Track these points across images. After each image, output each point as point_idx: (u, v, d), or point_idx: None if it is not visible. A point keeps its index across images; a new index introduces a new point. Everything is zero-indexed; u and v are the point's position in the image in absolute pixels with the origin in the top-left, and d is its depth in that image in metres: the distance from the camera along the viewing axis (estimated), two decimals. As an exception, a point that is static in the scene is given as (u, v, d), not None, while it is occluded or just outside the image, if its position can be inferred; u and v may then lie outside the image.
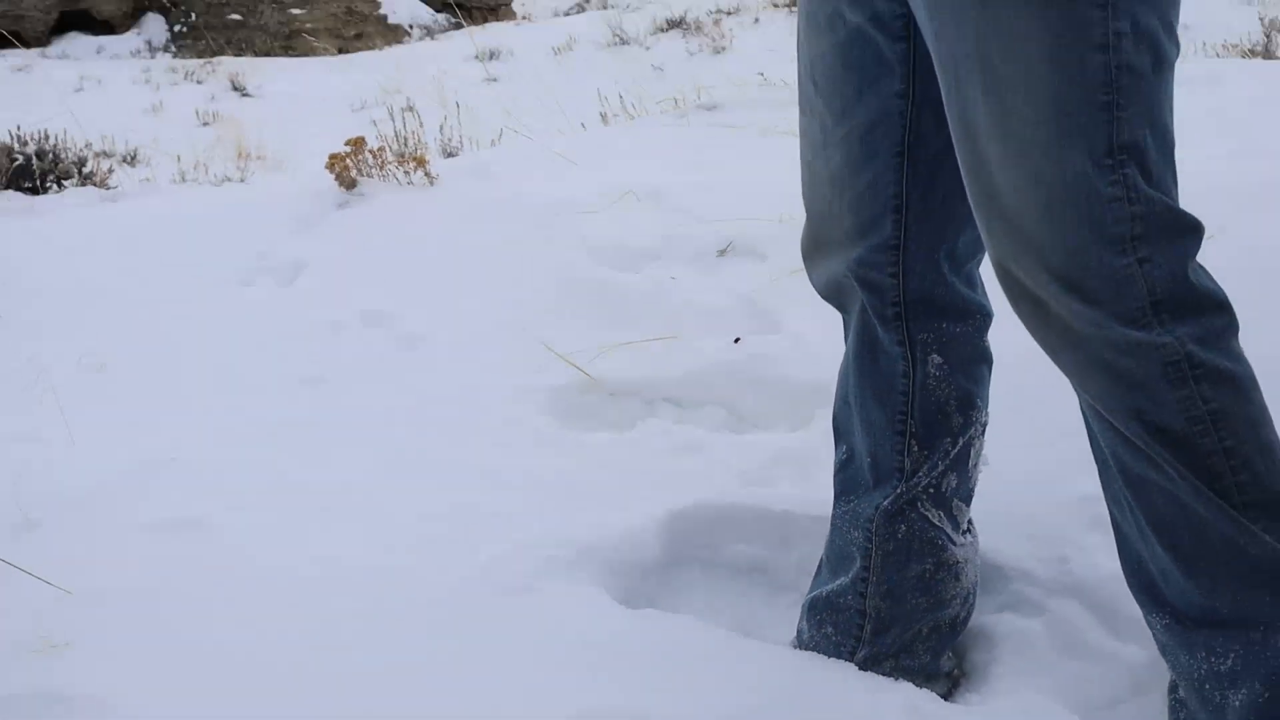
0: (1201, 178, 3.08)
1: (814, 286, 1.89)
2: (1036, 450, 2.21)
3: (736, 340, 2.94)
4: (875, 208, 1.74)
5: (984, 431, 1.88)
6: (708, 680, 1.81)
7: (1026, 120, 1.43)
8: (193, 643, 1.99)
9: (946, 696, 1.86)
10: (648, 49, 14.56)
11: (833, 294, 1.86)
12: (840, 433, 1.91)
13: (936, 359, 1.80)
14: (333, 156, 4.42)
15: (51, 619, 2.04)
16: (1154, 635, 1.59)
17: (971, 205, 1.54)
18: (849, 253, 1.77)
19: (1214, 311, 1.47)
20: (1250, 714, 1.49)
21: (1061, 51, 1.41)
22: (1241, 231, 2.83)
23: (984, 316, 1.83)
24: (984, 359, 1.86)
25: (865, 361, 1.83)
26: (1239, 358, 1.49)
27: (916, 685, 1.82)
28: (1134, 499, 1.52)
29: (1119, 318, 1.43)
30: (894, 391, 1.81)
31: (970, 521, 1.91)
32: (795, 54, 1.84)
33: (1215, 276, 1.52)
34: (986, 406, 1.87)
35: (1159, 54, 1.43)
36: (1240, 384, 1.47)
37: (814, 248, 1.84)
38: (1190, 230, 1.46)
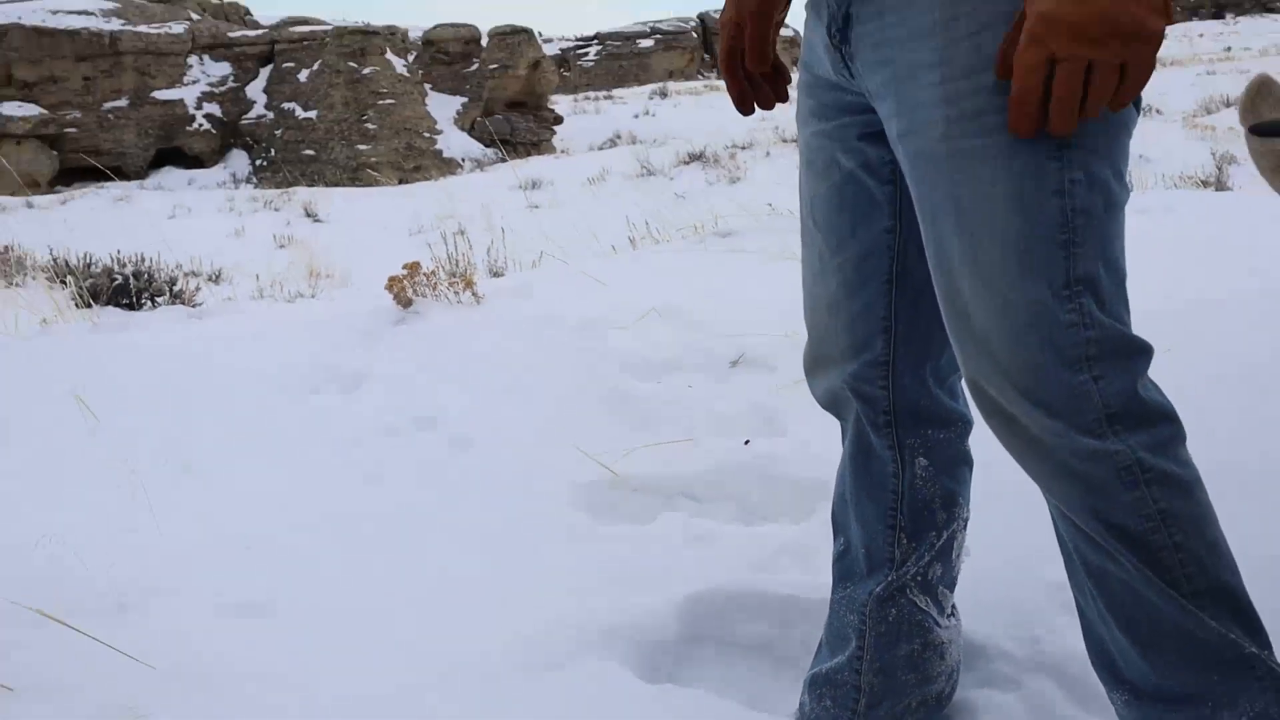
0: (1160, 297, 3.13)
1: (814, 397, 1.91)
2: (1012, 541, 2.20)
3: (746, 442, 2.96)
4: (868, 329, 1.76)
5: (965, 526, 1.89)
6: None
7: (993, 256, 1.45)
8: (258, 714, 2.02)
9: None
10: (671, 179, 14.65)
11: (831, 404, 1.87)
12: (838, 526, 1.92)
13: (923, 462, 1.82)
14: (391, 279, 4.47)
15: (136, 692, 2.06)
16: (1115, 710, 1.58)
17: (947, 329, 1.56)
18: (845, 368, 1.79)
19: (1162, 422, 1.48)
20: None
21: (1023, 197, 1.42)
22: (1195, 345, 2.85)
23: (965, 424, 1.85)
24: (965, 462, 1.87)
25: (860, 464, 1.85)
26: (1186, 463, 1.50)
27: None
28: (1095, 588, 1.52)
29: (1078, 429, 1.44)
30: (885, 490, 1.83)
31: (954, 605, 1.92)
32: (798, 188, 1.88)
33: (1170, 387, 1.54)
34: (968, 504, 1.88)
35: (1110, 198, 1.46)
36: (1187, 486, 1.48)
37: (814, 363, 1.87)
38: (1140, 351, 1.48)
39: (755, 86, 1.81)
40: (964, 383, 1.58)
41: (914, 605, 1.84)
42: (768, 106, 1.85)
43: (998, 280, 1.45)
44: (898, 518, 1.83)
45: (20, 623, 2.23)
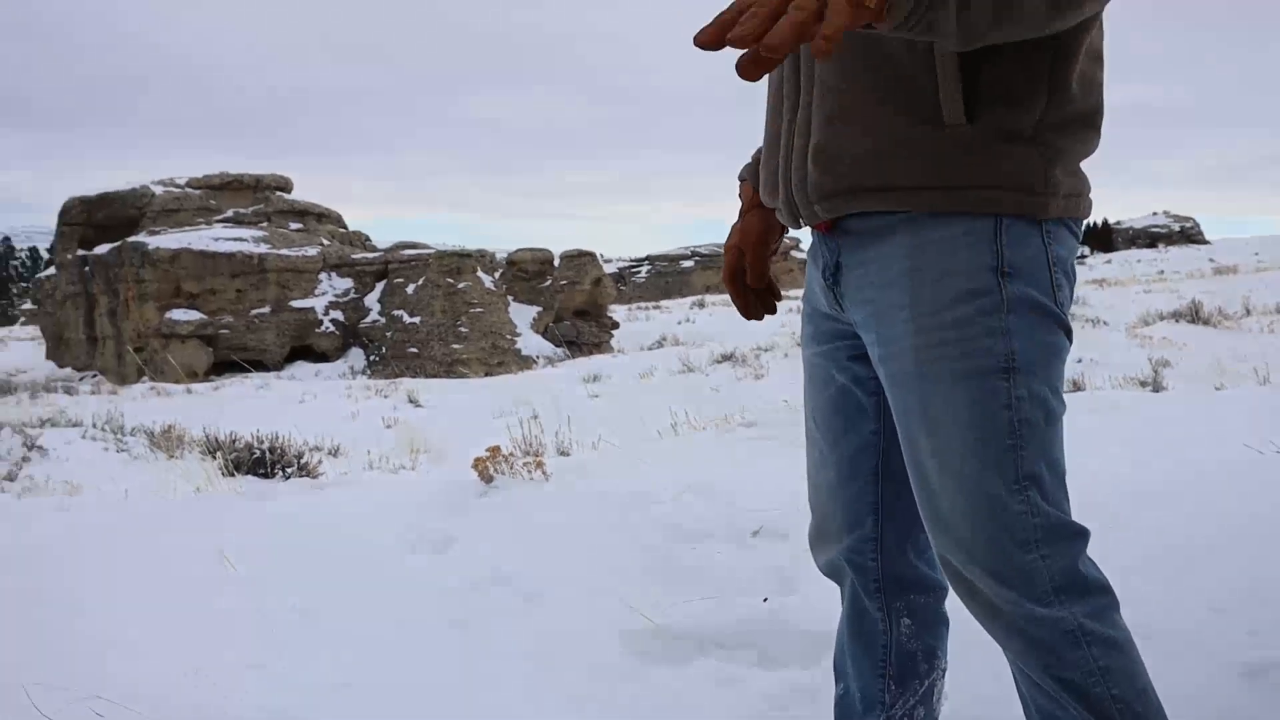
0: (1107, 482, 3.12)
1: (817, 566, 1.91)
2: (982, 689, 2.19)
3: (765, 600, 2.93)
4: (859, 511, 1.77)
5: (944, 674, 1.87)
6: None
7: (955, 456, 1.48)
8: None
9: None
10: (707, 375, 14.74)
11: (831, 572, 1.87)
12: (839, 673, 1.90)
13: (907, 621, 1.81)
14: (477, 459, 4.52)
15: None
16: None
17: (920, 513, 1.58)
18: (841, 543, 1.79)
19: (1099, 593, 1.49)
20: None
21: (978, 409, 1.46)
22: (1136, 524, 2.85)
23: (942, 590, 1.84)
24: (943, 621, 1.86)
25: (855, 622, 1.84)
26: (1119, 627, 1.50)
27: None
28: None
29: (1029, 598, 1.46)
30: (876, 645, 1.82)
31: None
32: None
33: (1108, 564, 1.55)
34: (945, 655, 1.86)
35: (1049, 411, 1.49)
36: (1122, 646, 1.48)
37: (816, 538, 1.87)
38: (1079, 534, 1.50)
39: (756, 296, 1.86)
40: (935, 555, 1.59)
41: None
42: (763, 316, 1.89)
43: (959, 476, 1.48)
44: (887, 668, 1.82)
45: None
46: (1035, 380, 1.48)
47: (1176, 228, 72.36)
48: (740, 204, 1.89)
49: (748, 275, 1.84)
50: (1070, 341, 1.54)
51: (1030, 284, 1.48)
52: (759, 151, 1.80)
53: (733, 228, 1.88)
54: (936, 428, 1.50)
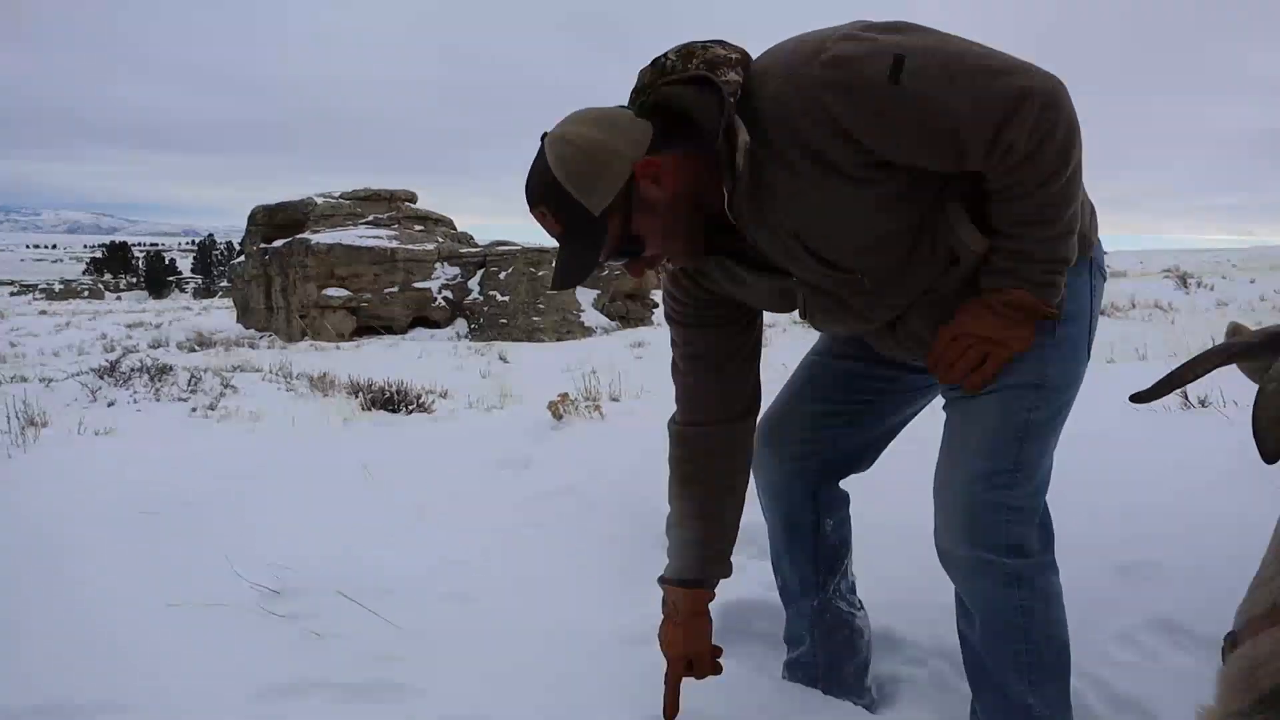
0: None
1: (760, 474, 1.74)
2: (924, 579, 2.19)
3: None
4: (826, 427, 1.69)
5: (850, 552, 1.82)
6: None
7: (976, 436, 1.41)
8: (462, 648, 2.02)
9: (870, 709, 1.82)
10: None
11: (772, 494, 1.77)
12: (776, 569, 1.84)
13: (829, 523, 1.76)
14: (550, 402, 4.56)
15: (391, 641, 2.09)
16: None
17: (939, 462, 1.48)
18: (796, 445, 1.70)
19: (1041, 557, 1.43)
20: None
21: (1004, 407, 1.39)
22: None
23: (847, 499, 1.80)
24: (849, 519, 1.81)
25: (789, 530, 1.77)
26: (1052, 584, 1.44)
27: (854, 703, 1.78)
28: (976, 629, 1.47)
29: (985, 548, 1.40)
30: (808, 544, 1.76)
31: (860, 600, 1.84)
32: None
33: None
34: (850, 537, 1.81)
35: (1055, 423, 1.42)
36: (1049, 600, 1.43)
37: (776, 425, 1.73)
38: (1043, 523, 1.44)
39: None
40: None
41: (838, 608, 1.80)
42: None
43: (976, 450, 1.41)
44: (818, 558, 1.76)
45: (327, 598, 2.29)
46: (1056, 397, 1.41)
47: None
48: (677, 608, 1.62)
49: (698, 671, 1.64)
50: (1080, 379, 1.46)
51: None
52: (697, 532, 1.62)
53: (673, 635, 1.62)
54: (971, 415, 1.43)
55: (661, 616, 1.68)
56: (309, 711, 1.79)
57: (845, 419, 1.68)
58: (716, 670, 1.66)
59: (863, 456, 1.76)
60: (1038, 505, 1.43)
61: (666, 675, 1.63)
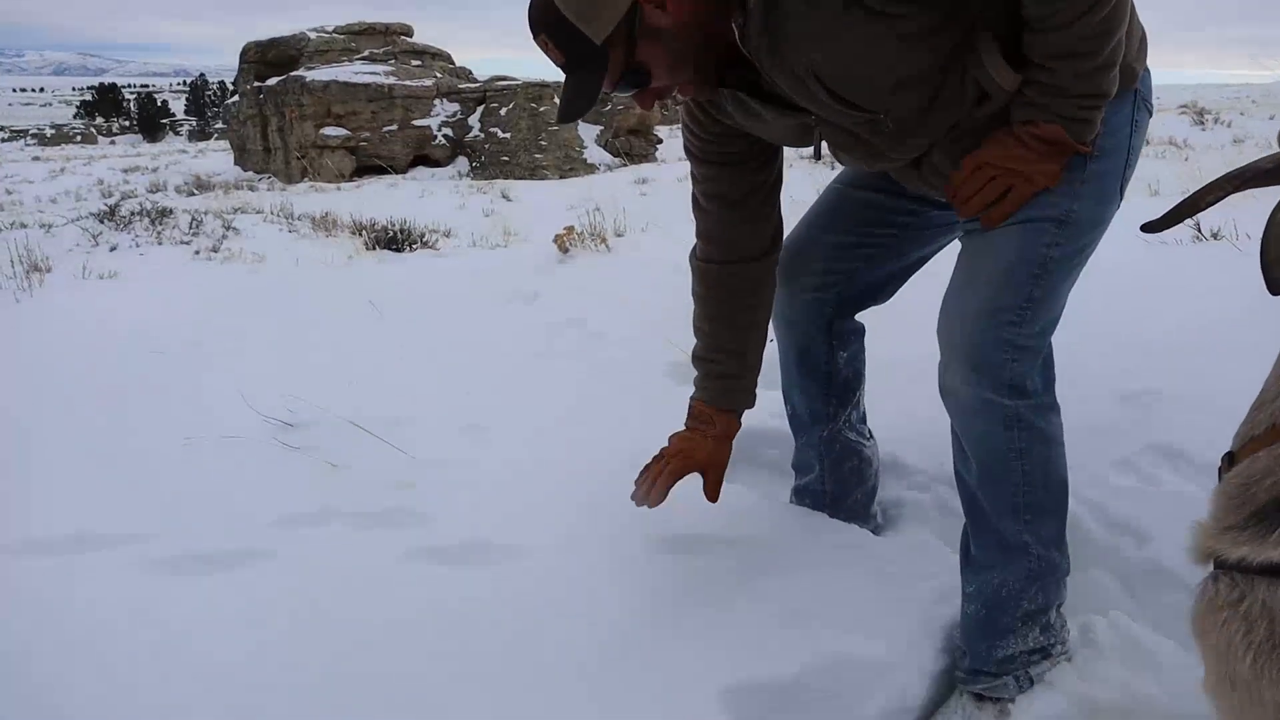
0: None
1: (779, 301, 1.68)
2: (930, 413, 2.19)
3: (771, 340, 2.86)
4: (847, 260, 1.64)
5: (864, 383, 1.80)
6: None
7: (991, 270, 1.35)
8: (476, 476, 2.03)
9: (875, 533, 1.85)
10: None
11: (788, 325, 1.72)
12: (786, 397, 1.82)
13: (844, 355, 1.74)
14: (557, 235, 4.53)
15: (406, 469, 2.11)
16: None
17: (947, 297, 1.42)
18: (815, 277, 1.65)
19: (1042, 397, 1.38)
20: (968, 623, 1.44)
21: (1023, 240, 1.32)
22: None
23: (863, 331, 1.77)
24: (863, 350, 1.78)
25: (803, 359, 1.74)
26: (1052, 425, 1.39)
27: (859, 527, 1.80)
28: (971, 468, 1.42)
29: (987, 387, 1.34)
30: (820, 375, 1.74)
31: (870, 430, 1.84)
32: None
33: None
34: (864, 370, 1.79)
35: (1074, 262, 1.36)
36: (1048, 440, 1.38)
37: (794, 257, 1.66)
38: (1046, 362, 1.38)
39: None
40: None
41: (848, 438, 1.79)
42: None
43: (988, 283, 1.35)
44: (830, 390, 1.75)
45: (341, 430, 2.32)
46: (1079, 235, 1.34)
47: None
48: (713, 422, 1.60)
49: (707, 489, 1.61)
50: (1107, 220, 1.38)
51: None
52: (725, 366, 1.58)
53: (700, 442, 1.59)
54: (992, 247, 1.36)
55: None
56: (330, 537, 1.82)
57: (865, 252, 1.63)
58: (713, 498, 1.65)
59: (881, 290, 1.71)
60: (1043, 346, 1.37)
61: (664, 468, 1.59)
